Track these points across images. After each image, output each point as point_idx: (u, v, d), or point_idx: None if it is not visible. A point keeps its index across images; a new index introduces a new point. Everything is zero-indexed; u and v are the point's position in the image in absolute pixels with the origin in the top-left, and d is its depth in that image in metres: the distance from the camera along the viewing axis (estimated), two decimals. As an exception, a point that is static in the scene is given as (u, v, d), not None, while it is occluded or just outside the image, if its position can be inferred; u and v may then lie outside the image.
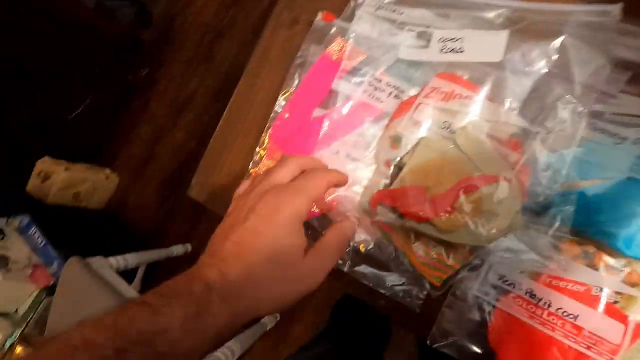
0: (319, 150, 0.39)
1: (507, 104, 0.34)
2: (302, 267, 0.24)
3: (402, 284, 0.37)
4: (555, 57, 0.33)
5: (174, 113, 1.39)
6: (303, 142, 0.40)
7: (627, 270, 0.31)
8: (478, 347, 0.34)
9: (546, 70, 0.33)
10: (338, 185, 0.27)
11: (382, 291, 0.37)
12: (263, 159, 0.41)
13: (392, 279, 0.37)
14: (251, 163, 0.42)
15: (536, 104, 0.33)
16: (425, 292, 0.36)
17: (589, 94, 0.32)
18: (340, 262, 0.37)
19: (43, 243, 1.02)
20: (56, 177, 1.20)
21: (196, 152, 1.33)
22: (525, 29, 0.34)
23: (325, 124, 0.39)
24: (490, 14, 0.37)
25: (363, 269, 0.37)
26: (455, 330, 0.35)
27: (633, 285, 0.30)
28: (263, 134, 0.42)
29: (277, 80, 0.43)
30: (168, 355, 0.20)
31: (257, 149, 0.42)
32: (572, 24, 0.33)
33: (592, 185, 0.31)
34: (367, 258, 0.37)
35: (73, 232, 1.13)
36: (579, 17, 0.33)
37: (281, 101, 0.42)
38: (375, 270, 0.37)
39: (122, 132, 1.44)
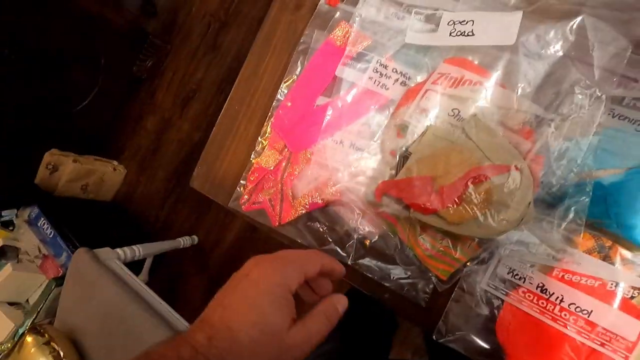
0: (323, 140, 0.38)
1: (519, 90, 0.32)
2: (287, 338, 0.24)
3: (408, 278, 0.36)
4: (572, 38, 0.31)
5: (179, 104, 1.39)
6: (306, 131, 0.38)
7: (645, 264, 0.29)
8: (486, 342, 0.33)
9: (562, 53, 0.31)
10: (332, 272, 0.27)
11: (387, 284, 0.36)
12: (265, 149, 0.40)
13: (397, 272, 0.36)
14: (253, 153, 0.41)
15: (551, 90, 0.32)
16: (431, 286, 0.35)
17: (608, 78, 0.30)
18: (344, 254, 0.37)
19: (52, 234, 1.03)
20: (64, 169, 1.21)
21: (201, 143, 1.32)
22: (540, 9, 0.32)
23: (329, 113, 0.38)
24: (505, -5, 0.35)
25: (367, 261, 0.36)
26: (462, 325, 0.34)
27: (652, 280, 0.29)
28: (265, 123, 0.41)
29: (280, 67, 0.42)
30: None
31: (259, 139, 0.41)
32: (591, 2, 0.31)
33: (610, 175, 0.29)
34: (372, 251, 0.36)
35: (81, 224, 1.14)
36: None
37: (283, 89, 0.41)
38: (380, 263, 0.36)
39: (128, 123, 1.44)
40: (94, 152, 1.36)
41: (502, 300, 0.33)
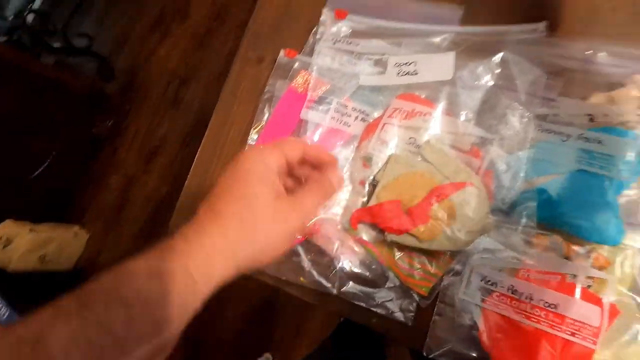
0: (296, 178, 0.40)
1: (463, 116, 0.37)
2: (277, 206, 0.25)
3: (392, 299, 0.37)
4: (498, 70, 0.37)
5: (143, 160, 1.37)
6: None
7: (593, 255, 0.33)
8: (473, 351, 0.34)
9: (492, 83, 0.37)
10: (321, 162, 0.28)
11: (374, 309, 0.37)
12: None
13: (382, 295, 0.37)
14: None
15: (489, 114, 0.37)
16: (414, 304, 0.36)
17: (532, 100, 0.35)
18: (329, 285, 0.38)
19: (7, 314, 0.95)
20: (19, 241, 1.13)
21: (169, 197, 1.30)
22: (469, 49, 0.38)
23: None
24: (437, 39, 0.41)
25: (352, 288, 0.37)
26: (448, 338, 0.35)
27: (601, 268, 0.33)
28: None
29: (248, 116, 0.45)
30: (133, 300, 0.20)
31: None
32: (508, 41, 0.37)
33: (549, 181, 0.34)
34: (355, 277, 0.38)
35: (40, 298, 1.06)
36: (513, 36, 0.38)
37: (253, 135, 0.43)
38: (364, 289, 0.37)
39: (90, 184, 1.39)
40: (55, 218, 1.29)
41: (481, 307, 0.35)
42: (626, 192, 0.33)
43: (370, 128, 0.40)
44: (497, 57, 0.37)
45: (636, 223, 0.33)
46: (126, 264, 0.21)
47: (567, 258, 0.33)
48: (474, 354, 0.34)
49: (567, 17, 0.38)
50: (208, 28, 1.45)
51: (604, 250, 0.33)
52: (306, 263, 0.39)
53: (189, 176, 0.46)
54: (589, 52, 0.35)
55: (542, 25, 0.37)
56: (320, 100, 0.42)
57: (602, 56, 0.34)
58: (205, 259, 0.23)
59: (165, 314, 0.20)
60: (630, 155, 0.32)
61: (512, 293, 0.34)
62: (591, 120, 0.34)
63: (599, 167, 0.33)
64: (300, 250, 0.39)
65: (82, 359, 0.18)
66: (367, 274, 0.38)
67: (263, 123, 0.43)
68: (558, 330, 0.32)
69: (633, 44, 0.34)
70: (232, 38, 1.40)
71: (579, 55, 0.35)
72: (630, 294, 0.32)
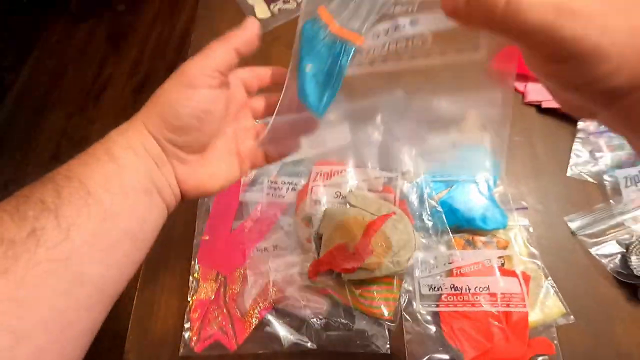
0: (250, 254, 0.43)
1: (369, 166, 0.47)
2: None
3: (366, 335, 0.41)
4: (382, 128, 0.49)
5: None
6: (232, 254, 0.44)
7: (495, 240, 0.43)
8: (447, 353, 0.39)
9: (380, 138, 0.48)
10: (247, 43, 0.26)
11: (354, 350, 0.39)
12: (200, 283, 0.43)
13: (356, 335, 0.40)
14: (189, 293, 0.43)
15: (386, 158, 0.47)
16: (386, 331, 0.40)
17: (413, 140, 0.47)
18: (307, 342, 0.40)
19: None
20: None
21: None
22: (355, 117, 0.50)
23: (246, 231, 0.45)
24: (332, 116, 0.52)
25: (328, 338, 0.40)
26: (423, 350, 0.39)
27: (504, 248, 0.42)
28: (192, 262, 0.44)
29: (191, 213, 0.48)
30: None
31: (191, 278, 0.44)
32: (383, 107, 0.50)
33: (445, 195, 0.44)
34: (328, 327, 0.41)
35: None
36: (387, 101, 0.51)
37: (199, 225, 0.46)
38: (339, 333, 0.40)
39: None
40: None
41: (437, 312, 0.40)
42: (496, 189, 0.45)
43: (302, 194, 0.47)
44: (378, 119, 0.49)
45: (510, 208, 0.44)
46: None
47: (478, 248, 0.42)
48: (448, 357, 0.39)
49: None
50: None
51: (501, 234, 0.43)
52: (280, 329, 0.40)
53: (135, 298, 0.45)
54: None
55: (400, 91, 0.51)
56: (253, 182, 0.48)
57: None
58: (118, 130, 0.25)
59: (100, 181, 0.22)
60: (487, 163, 0.44)
61: (454, 290, 0.41)
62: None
63: (472, 177, 0.44)
64: (271, 318, 0.41)
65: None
66: (337, 319, 0.41)
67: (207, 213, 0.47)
68: (496, 306, 0.39)
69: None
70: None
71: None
72: (530, 259, 0.42)
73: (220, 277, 0.43)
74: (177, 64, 0.25)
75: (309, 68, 0.27)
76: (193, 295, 0.42)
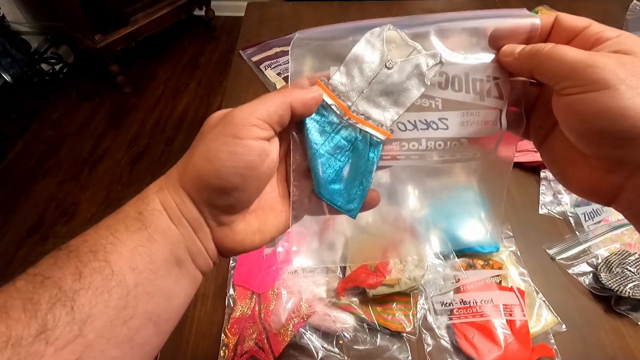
0: (282, 275, 0.48)
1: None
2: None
3: (390, 349, 0.44)
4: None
5: None
6: (266, 276, 0.48)
7: (491, 262, 0.50)
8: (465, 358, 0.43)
9: (389, 180, 0.58)
10: (306, 104, 0.23)
11: (380, 362, 0.43)
12: (237, 302, 0.46)
13: (381, 348, 0.44)
14: (226, 310, 0.46)
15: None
16: (407, 344, 0.44)
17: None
18: (337, 353, 0.43)
19: None
20: None
21: None
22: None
23: (278, 256, 0.50)
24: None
25: (357, 351, 0.43)
26: (443, 358, 0.43)
27: (499, 268, 0.50)
28: (227, 285, 0.48)
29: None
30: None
31: (227, 298, 0.47)
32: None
33: (446, 224, 0.53)
34: (355, 342, 0.44)
35: None
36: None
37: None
38: (365, 347, 0.44)
39: None
40: None
41: (451, 325, 0.46)
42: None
43: (325, 222, 0.54)
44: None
45: (500, 237, 0.53)
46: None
47: (478, 269, 0.50)
48: (465, 364, 0.43)
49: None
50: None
51: (495, 257, 0.51)
52: (313, 343, 0.43)
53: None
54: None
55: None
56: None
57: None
58: (154, 186, 0.23)
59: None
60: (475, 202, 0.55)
61: (464, 304, 0.47)
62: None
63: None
64: (304, 332, 0.44)
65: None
66: (363, 335, 0.45)
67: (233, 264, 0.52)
68: (501, 315, 0.45)
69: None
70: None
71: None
72: (521, 277, 0.49)
73: (255, 296, 0.47)
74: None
75: (327, 165, 0.24)
76: (230, 313, 0.45)
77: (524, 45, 0.22)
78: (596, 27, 0.21)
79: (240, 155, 0.21)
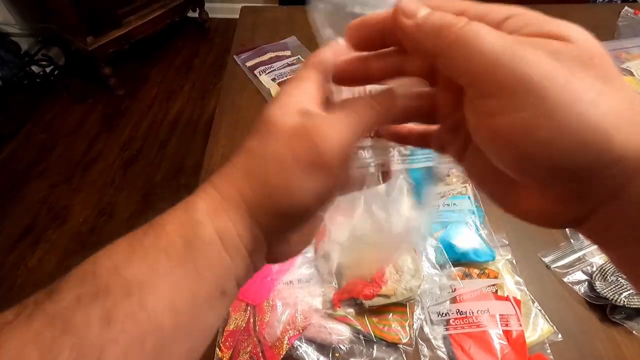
0: (276, 286, 0.48)
1: (375, 211, 0.55)
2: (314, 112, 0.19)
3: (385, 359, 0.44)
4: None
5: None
6: (260, 287, 0.48)
7: (487, 271, 0.50)
8: (459, 373, 0.43)
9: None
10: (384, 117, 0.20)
11: (376, 375, 0.42)
12: (230, 314, 0.45)
13: (377, 359, 0.44)
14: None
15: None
16: (403, 356, 0.44)
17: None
18: (333, 365, 0.42)
19: None
20: None
21: None
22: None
23: (272, 266, 0.50)
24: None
25: (352, 363, 0.43)
26: (439, 371, 0.43)
27: (495, 277, 0.50)
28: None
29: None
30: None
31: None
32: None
33: (442, 233, 0.53)
34: (351, 354, 0.44)
35: None
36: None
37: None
38: (362, 359, 0.43)
39: None
40: None
41: (447, 336, 0.45)
42: (482, 230, 0.55)
43: (321, 233, 0.53)
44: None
45: (495, 245, 0.53)
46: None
47: (474, 278, 0.50)
48: (461, 376, 0.43)
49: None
50: (92, 227, 1.43)
51: (491, 266, 0.51)
52: (309, 355, 0.43)
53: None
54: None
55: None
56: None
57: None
58: (206, 203, 0.18)
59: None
60: (470, 210, 0.54)
61: (460, 314, 0.46)
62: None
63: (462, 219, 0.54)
64: (300, 345, 0.43)
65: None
66: (359, 347, 0.45)
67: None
68: (497, 326, 0.45)
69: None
70: (123, 232, 1.41)
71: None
72: (517, 287, 0.49)
73: (249, 308, 0.46)
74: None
75: None
76: (224, 326, 0.45)
77: (431, 10, 0.16)
78: (483, 7, 0.16)
79: (328, 187, 0.18)
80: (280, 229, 0.19)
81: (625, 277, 0.17)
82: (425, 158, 0.29)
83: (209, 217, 0.18)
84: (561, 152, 0.13)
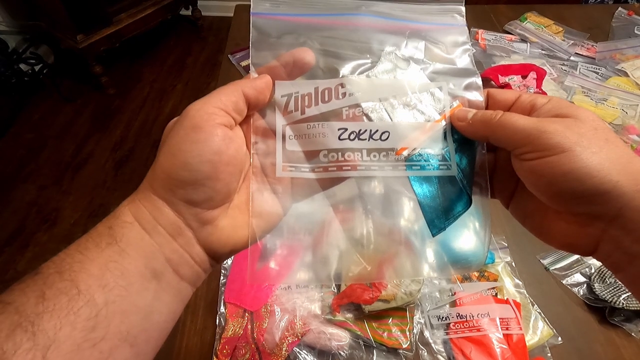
0: (274, 291, 0.47)
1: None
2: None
3: (386, 366, 0.43)
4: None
5: None
6: (257, 292, 0.47)
7: (486, 274, 0.50)
8: (460, 378, 0.42)
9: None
10: (257, 89, 0.23)
11: (376, 381, 0.42)
12: (228, 321, 0.44)
13: (377, 366, 0.43)
14: (217, 329, 0.44)
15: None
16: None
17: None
18: (333, 373, 0.41)
19: None
20: None
21: None
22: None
23: (271, 272, 0.49)
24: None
25: (353, 369, 0.42)
26: (440, 376, 0.43)
27: (495, 279, 0.49)
28: (218, 303, 0.46)
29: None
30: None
31: (218, 316, 0.45)
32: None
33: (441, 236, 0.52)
34: (351, 359, 0.43)
35: None
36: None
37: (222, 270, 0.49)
38: (362, 365, 0.43)
39: None
40: None
41: (448, 340, 0.45)
42: (480, 233, 0.54)
43: (319, 236, 0.53)
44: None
45: (494, 248, 0.52)
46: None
47: (473, 281, 0.49)
48: (462, 381, 0.42)
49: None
50: (84, 229, 1.40)
51: (490, 269, 0.51)
52: (308, 362, 0.42)
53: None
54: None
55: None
56: (273, 229, 0.53)
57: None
58: (127, 200, 0.22)
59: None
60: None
61: (460, 318, 0.46)
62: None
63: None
64: (299, 351, 0.43)
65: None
66: (359, 352, 0.44)
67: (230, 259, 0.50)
68: (497, 330, 0.44)
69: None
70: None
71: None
72: (517, 289, 0.49)
73: (247, 314, 0.45)
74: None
75: None
76: (221, 333, 0.44)
77: (475, 111, 0.24)
78: (526, 96, 0.24)
79: (203, 142, 0.21)
80: (184, 199, 0.21)
81: (635, 296, 0.22)
82: (427, 163, 0.26)
83: (128, 208, 0.21)
84: (576, 180, 0.19)
